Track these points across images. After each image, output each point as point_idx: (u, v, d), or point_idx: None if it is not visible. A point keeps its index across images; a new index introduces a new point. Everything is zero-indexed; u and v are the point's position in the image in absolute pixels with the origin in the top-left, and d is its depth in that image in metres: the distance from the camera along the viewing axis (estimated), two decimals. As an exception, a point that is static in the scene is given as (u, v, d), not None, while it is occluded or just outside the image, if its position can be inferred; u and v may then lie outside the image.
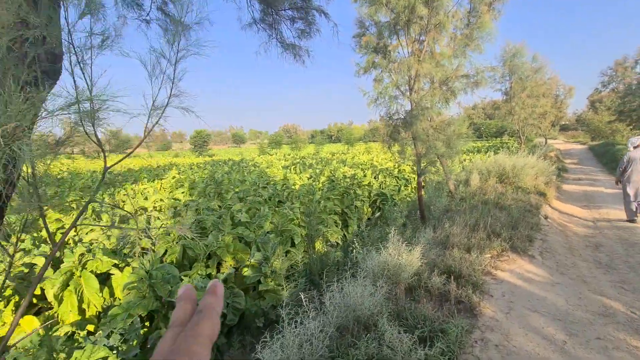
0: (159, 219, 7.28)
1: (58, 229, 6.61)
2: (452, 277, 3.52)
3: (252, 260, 5.11)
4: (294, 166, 20.17)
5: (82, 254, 4.77)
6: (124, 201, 9.44)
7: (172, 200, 9.81)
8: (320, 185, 12.37)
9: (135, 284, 4.23)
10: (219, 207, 8.62)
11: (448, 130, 7.65)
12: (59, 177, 19.05)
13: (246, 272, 5.24)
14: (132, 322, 3.73)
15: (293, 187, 11.64)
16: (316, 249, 7.65)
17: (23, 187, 1.76)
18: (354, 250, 5.95)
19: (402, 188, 13.24)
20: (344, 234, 9.01)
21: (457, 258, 4.06)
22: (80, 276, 4.68)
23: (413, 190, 13.05)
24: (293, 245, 7.07)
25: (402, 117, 7.27)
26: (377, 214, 11.36)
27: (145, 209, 8.85)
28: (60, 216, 7.56)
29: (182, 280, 4.77)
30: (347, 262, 6.15)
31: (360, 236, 8.89)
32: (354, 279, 3.13)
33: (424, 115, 7.56)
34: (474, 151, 31.71)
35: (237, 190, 10.12)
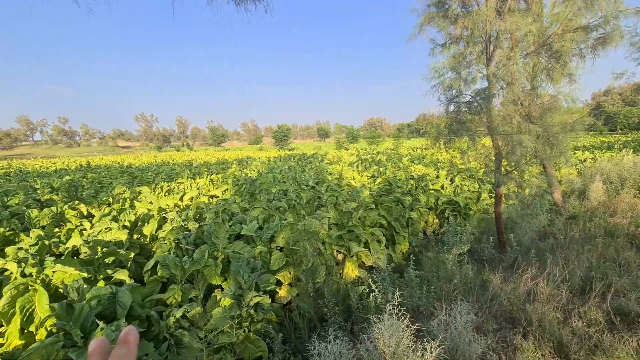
0: (172, 221, 6.63)
1: (77, 226, 6.46)
2: None
3: (220, 297, 3.81)
4: (359, 163, 18.37)
5: (36, 263, 4.17)
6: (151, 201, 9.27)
7: (209, 198, 9.29)
8: (375, 187, 10.44)
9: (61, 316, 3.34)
10: (245, 209, 7.63)
11: (548, 119, 5.03)
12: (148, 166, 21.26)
13: (218, 309, 3.97)
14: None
15: (341, 188, 10.02)
16: (342, 276, 5.99)
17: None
18: (371, 296, 4.15)
19: (485, 195, 10.32)
20: (389, 255, 7.06)
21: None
22: (36, 290, 4.06)
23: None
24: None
25: (470, 98, 4.98)
26: (445, 228, 8.93)
27: (178, 206, 8.47)
28: (93, 210, 7.56)
29: (131, 312, 3.76)
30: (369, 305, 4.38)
31: (409, 260, 6.86)
32: None
33: (508, 98, 5.12)
34: (602, 147, 24.53)
35: (274, 190, 9.03)
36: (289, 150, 49.89)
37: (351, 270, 6.04)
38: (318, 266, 5.55)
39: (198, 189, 10.64)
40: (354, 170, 15.46)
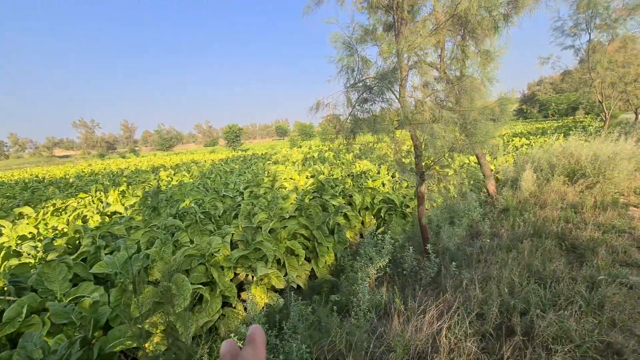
0: (32, 250, 5.07)
1: None
2: None
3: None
4: (303, 161, 17.36)
5: None
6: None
7: (105, 216, 7.71)
8: (308, 187, 9.46)
9: None
10: (131, 230, 6.22)
11: (466, 104, 4.30)
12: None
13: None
14: None
15: (272, 192, 8.91)
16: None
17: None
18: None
19: (424, 190, 9.75)
20: (312, 270, 6.09)
21: None
22: None
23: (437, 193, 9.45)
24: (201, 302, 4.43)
25: (370, 82, 4.10)
26: (380, 230, 8.17)
27: (58, 232, 6.83)
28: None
29: None
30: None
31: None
32: None
33: (422, 80, 4.34)
34: (537, 133, 25.79)
35: (187, 200, 7.69)
36: (243, 151, 47.72)
37: (259, 297, 4.96)
38: (208, 301, 4.41)
39: (101, 204, 8.95)
40: (295, 170, 14.42)
